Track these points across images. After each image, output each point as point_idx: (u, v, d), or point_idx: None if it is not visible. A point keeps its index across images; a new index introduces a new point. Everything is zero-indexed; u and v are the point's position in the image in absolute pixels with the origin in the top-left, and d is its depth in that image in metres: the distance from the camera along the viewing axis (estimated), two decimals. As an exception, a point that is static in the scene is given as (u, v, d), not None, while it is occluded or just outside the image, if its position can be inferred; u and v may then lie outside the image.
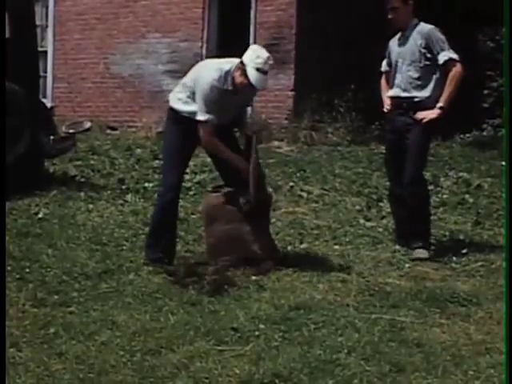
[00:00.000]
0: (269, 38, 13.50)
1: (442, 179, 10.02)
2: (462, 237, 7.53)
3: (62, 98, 15.78)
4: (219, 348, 4.63)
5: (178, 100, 6.25)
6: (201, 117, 6.06)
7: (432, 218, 8.26)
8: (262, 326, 4.93)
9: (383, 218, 8.04)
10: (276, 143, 12.70)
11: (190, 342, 4.69)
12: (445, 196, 9.21)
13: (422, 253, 6.69)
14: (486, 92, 12.99)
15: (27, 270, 5.94)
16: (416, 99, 6.76)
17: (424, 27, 6.80)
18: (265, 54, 6.05)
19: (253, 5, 13.71)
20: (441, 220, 8.18)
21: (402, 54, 6.85)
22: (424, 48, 6.72)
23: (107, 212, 8.00)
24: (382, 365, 4.43)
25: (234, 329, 4.87)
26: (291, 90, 13.29)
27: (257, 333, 4.83)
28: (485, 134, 13.09)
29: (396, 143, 6.93)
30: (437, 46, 6.70)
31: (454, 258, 6.77)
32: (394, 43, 7.00)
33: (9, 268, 5.84)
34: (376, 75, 7.44)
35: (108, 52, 15.33)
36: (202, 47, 14.24)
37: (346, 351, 4.58)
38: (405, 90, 6.82)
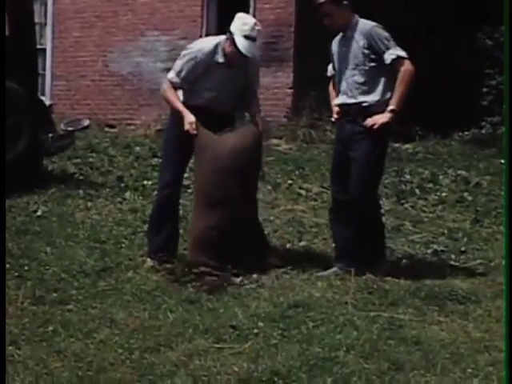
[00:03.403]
0: (267, 35, 13.45)
1: (440, 177, 10.02)
2: (460, 234, 7.54)
3: (61, 95, 15.76)
4: (218, 346, 4.62)
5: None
6: (169, 74, 6.13)
7: (431, 215, 8.26)
8: (260, 324, 4.92)
9: (382, 215, 8.01)
10: (275, 141, 12.66)
11: (188, 339, 4.69)
12: (443, 194, 9.21)
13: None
14: (484, 90, 12.97)
15: (26, 268, 5.94)
16: (364, 104, 6.02)
17: (365, 25, 6.06)
18: (251, 20, 6.05)
19: (251, 3, 13.70)
20: (439, 218, 8.18)
21: (345, 57, 6.11)
22: (367, 49, 5.98)
23: (106, 210, 8.00)
24: (380, 362, 4.42)
25: (233, 327, 4.87)
26: (290, 88, 13.28)
27: (255, 331, 4.82)
28: (483, 131, 13.07)
29: (342, 154, 6.18)
30: (381, 44, 5.96)
31: (453, 256, 6.77)
32: (335, 45, 6.27)
33: (7, 266, 5.82)
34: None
35: (107, 50, 15.31)
36: (200, 45, 14.22)
37: (344, 349, 4.57)
38: (351, 97, 6.07)
